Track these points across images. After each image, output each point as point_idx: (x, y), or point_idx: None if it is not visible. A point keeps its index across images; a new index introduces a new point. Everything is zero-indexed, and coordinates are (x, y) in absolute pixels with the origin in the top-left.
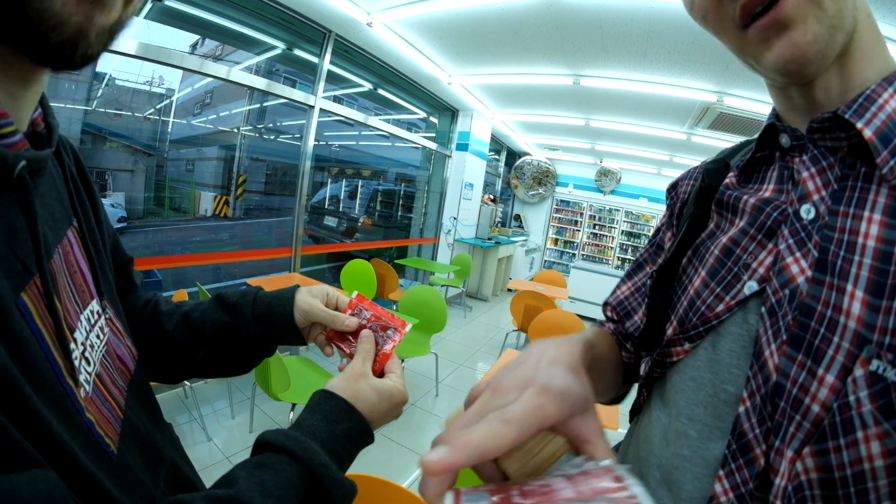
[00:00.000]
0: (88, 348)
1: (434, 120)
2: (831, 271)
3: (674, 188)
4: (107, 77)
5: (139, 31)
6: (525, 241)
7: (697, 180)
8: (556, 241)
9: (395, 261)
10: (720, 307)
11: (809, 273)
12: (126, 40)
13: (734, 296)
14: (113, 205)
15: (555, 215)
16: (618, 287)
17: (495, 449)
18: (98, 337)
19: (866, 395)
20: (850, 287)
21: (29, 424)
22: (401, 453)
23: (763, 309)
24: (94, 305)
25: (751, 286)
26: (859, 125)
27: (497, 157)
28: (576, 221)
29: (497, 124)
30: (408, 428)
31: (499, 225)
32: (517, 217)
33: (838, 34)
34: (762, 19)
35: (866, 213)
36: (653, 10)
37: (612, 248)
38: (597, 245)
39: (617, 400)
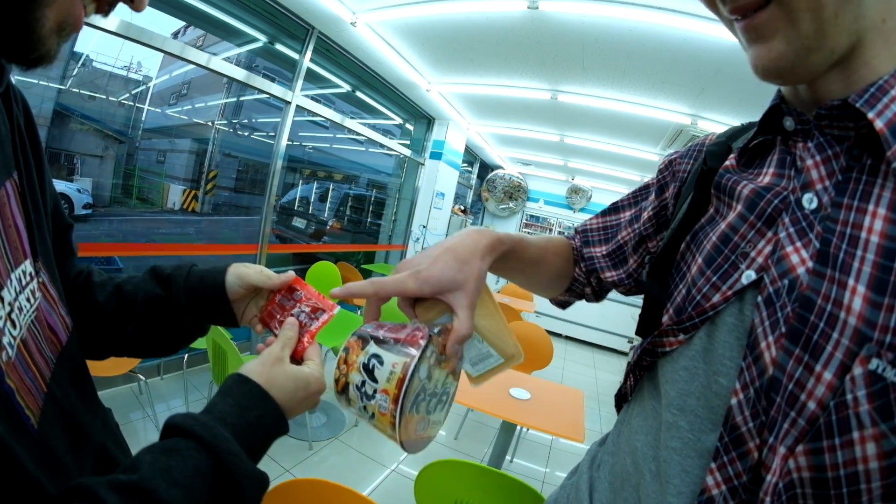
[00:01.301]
0: (16, 310)
1: (409, 127)
2: (833, 264)
3: (669, 165)
4: (83, 57)
5: (121, 9)
6: None
7: (697, 161)
8: None
9: (362, 266)
10: (716, 297)
11: (810, 264)
12: (108, 18)
13: (731, 285)
14: (80, 190)
15: (524, 230)
16: (591, 219)
17: (361, 293)
18: (28, 300)
19: (864, 394)
20: (851, 282)
21: None
22: (360, 461)
23: (760, 298)
24: (27, 266)
25: (748, 276)
26: (870, 115)
27: (470, 168)
28: None
29: (472, 135)
30: (369, 437)
31: None
32: None
33: (814, 55)
34: (742, 22)
35: (870, 208)
36: (635, 31)
37: None
38: None
39: (562, 304)
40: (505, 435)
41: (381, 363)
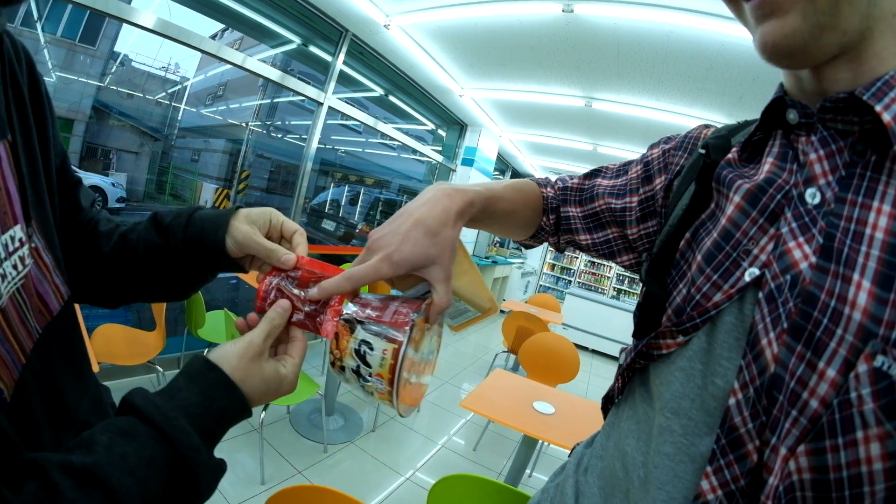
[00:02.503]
0: None
1: (442, 133)
2: (837, 259)
3: (662, 155)
4: (121, 56)
5: (160, 8)
6: (522, 263)
7: (692, 154)
8: (552, 267)
9: None
10: (718, 296)
11: (813, 259)
12: (146, 14)
13: (733, 284)
14: (114, 184)
15: None
16: (570, 177)
17: (339, 290)
18: (15, 267)
19: (869, 392)
20: (856, 277)
21: None
22: (375, 467)
23: (761, 294)
24: (17, 231)
25: (752, 272)
26: (878, 108)
27: (501, 177)
28: None
29: (504, 143)
30: (386, 443)
31: (497, 245)
32: None
33: (827, 34)
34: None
35: (875, 204)
36: (671, 35)
37: (608, 277)
38: (593, 274)
39: (528, 246)
40: (526, 449)
41: (372, 349)
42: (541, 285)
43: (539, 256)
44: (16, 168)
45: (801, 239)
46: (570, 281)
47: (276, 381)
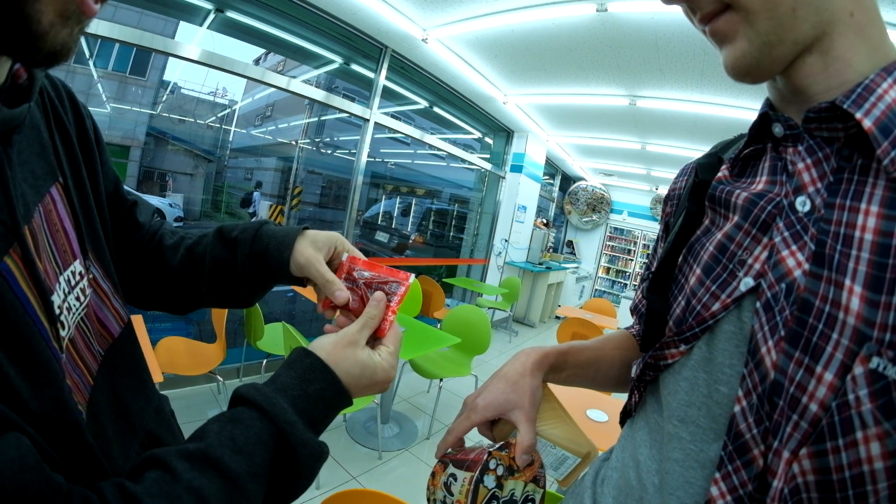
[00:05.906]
0: (65, 311)
1: (489, 140)
2: (829, 265)
3: (668, 197)
4: (171, 85)
5: (203, 40)
6: (576, 268)
7: (691, 176)
8: (608, 270)
9: (444, 279)
10: (716, 306)
11: (807, 266)
12: (190, 47)
13: (730, 293)
14: (171, 204)
15: (608, 243)
16: (635, 292)
17: (447, 445)
18: (78, 299)
19: (866, 393)
20: (848, 282)
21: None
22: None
23: (758, 304)
24: (77, 266)
25: (747, 282)
26: (858, 115)
27: (551, 181)
28: (629, 250)
29: (552, 147)
30: None
31: (550, 250)
32: (569, 243)
33: (776, 49)
34: (707, 29)
35: (863, 206)
36: None
37: None
38: None
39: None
40: None
41: (456, 479)
42: (596, 290)
43: (594, 260)
44: (69, 206)
45: (793, 247)
46: (625, 284)
47: (371, 367)
